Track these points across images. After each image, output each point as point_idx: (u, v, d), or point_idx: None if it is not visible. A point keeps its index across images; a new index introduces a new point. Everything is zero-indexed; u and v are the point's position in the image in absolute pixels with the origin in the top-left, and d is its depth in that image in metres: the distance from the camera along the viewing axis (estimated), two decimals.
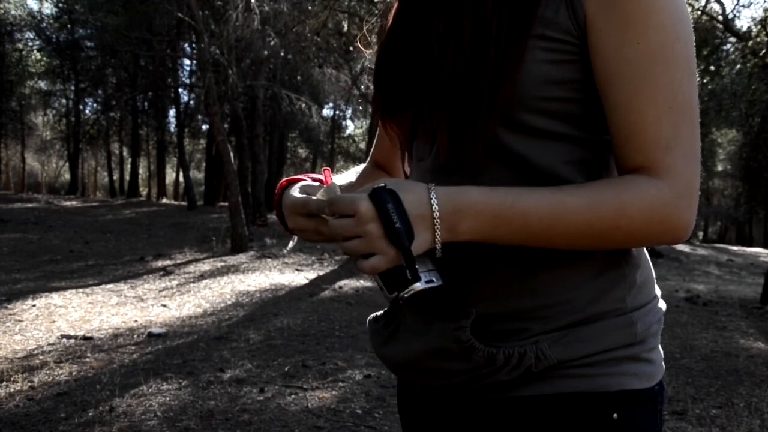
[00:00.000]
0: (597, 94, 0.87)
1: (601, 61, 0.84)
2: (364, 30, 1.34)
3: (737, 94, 14.49)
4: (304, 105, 18.73)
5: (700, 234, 36.72)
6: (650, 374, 0.91)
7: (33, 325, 6.03)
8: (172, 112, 29.37)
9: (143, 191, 38.91)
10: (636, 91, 0.82)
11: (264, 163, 21.63)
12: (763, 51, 13.08)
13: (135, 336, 5.83)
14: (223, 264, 11.35)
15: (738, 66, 15.12)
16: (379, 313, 1.10)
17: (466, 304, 0.90)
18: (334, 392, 4.44)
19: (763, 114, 15.92)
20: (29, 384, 4.30)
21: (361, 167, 1.30)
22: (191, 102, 28.51)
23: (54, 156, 40.92)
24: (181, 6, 15.24)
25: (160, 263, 11.17)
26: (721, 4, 15.12)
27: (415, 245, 0.79)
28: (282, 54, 20.04)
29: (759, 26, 14.92)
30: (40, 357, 4.98)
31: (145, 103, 29.69)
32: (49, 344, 5.38)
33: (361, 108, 30.05)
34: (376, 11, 14.17)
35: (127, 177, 34.56)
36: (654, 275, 0.99)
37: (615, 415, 0.87)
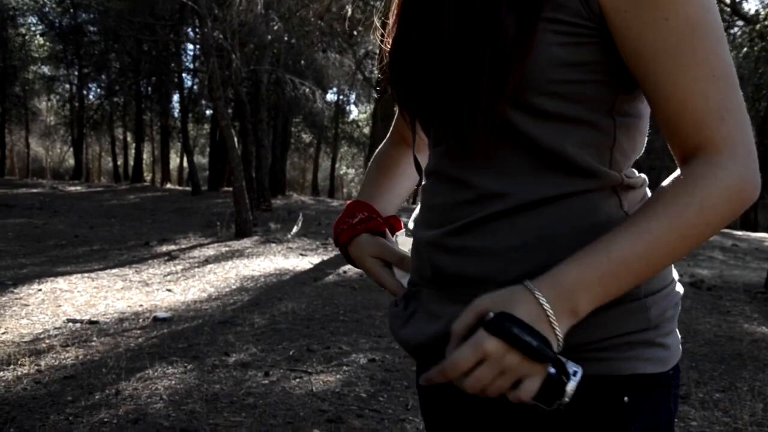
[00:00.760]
0: (609, 75, 0.87)
1: (630, 42, 0.84)
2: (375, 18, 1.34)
3: (744, 78, 14.42)
4: (308, 90, 18.69)
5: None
6: (664, 359, 0.91)
7: (39, 310, 6.07)
8: (175, 97, 29.37)
9: (147, 176, 38.95)
10: (677, 68, 0.82)
11: (268, 147, 21.63)
12: None
13: (140, 320, 5.87)
14: (227, 249, 11.39)
15: (745, 49, 15.02)
16: (399, 297, 1.11)
17: (480, 289, 0.89)
18: (338, 376, 4.47)
19: None
20: (36, 367, 4.34)
21: (381, 159, 1.35)
22: (195, 87, 28.50)
23: (58, 141, 40.96)
24: None
25: (164, 248, 11.20)
26: None
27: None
28: (285, 38, 19.95)
29: (767, 9, 14.82)
30: (47, 341, 5.01)
31: (149, 89, 29.65)
32: (55, 328, 5.42)
33: (365, 93, 29.98)
34: None
35: (131, 162, 34.61)
36: None
37: (626, 398, 0.87)
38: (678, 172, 0.86)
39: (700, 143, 0.83)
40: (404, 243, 1.19)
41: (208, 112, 29.52)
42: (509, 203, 0.90)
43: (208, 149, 31.87)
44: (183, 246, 11.55)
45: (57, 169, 45.22)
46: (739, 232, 23.59)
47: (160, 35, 22.92)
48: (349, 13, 15.81)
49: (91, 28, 28.70)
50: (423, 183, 1.07)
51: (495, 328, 0.77)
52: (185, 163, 32.53)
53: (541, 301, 0.79)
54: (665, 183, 0.85)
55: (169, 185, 30.10)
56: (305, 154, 42.57)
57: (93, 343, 5.01)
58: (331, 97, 33.37)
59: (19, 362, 4.40)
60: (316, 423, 3.56)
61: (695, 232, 0.81)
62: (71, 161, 36.88)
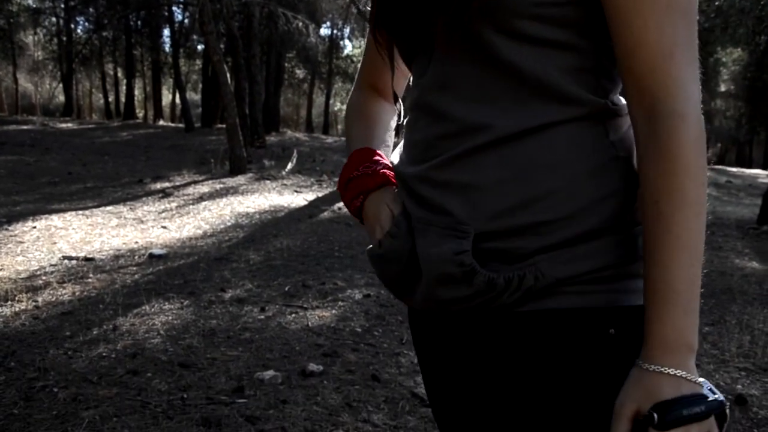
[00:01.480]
0: None
1: None
2: None
3: (745, 11, 14.17)
4: (301, 24, 18.37)
5: (705, 137, 36.52)
6: None
7: (34, 247, 6.10)
8: (166, 32, 28.87)
9: (140, 113, 38.56)
10: None
11: (261, 83, 21.34)
12: None
13: (136, 257, 5.90)
14: (221, 186, 11.38)
15: None
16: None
17: (461, 221, 0.89)
18: (333, 311, 4.53)
19: None
20: (34, 303, 4.38)
21: (361, 111, 1.25)
22: (186, 21, 27.96)
23: (47, 77, 40.36)
24: None
25: (158, 185, 11.19)
26: None
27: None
28: None
29: None
30: (43, 278, 5.05)
31: (139, 22, 29.07)
32: (51, 265, 5.45)
33: (359, 27, 29.45)
34: None
35: (122, 99, 34.23)
36: None
37: (612, 330, 0.88)
38: (640, 128, 0.86)
39: (654, 87, 0.83)
40: None
41: (200, 47, 29.04)
42: (492, 135, 0.88)
43: (200, 85, 31.43)
44: (177, 183, 11.53)
45: (47, 105, 44.65)
46: (734, 169, 23.66)
47: None
48: None
49: None
50: (405, 118, 1.05)
51: (666, 423, 0.79)
52: (177, 100, 32.17)
53: (672, 372, 0.81)
54: (643, 167, 0.85)
55: (161, 122, 29.87)
56: (299, 90, 42.07)
57: (89, 280, 5.05)
58: (324, 31, 32.80)
59: (17, 298, 4.44)
60: (311, 357, 3.63)
61: (698, 194, 0.83)
62: (61, 98, 36.41)
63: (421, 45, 0.97)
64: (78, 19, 31.67)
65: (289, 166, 13.81)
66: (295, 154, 14.91)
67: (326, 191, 11.36)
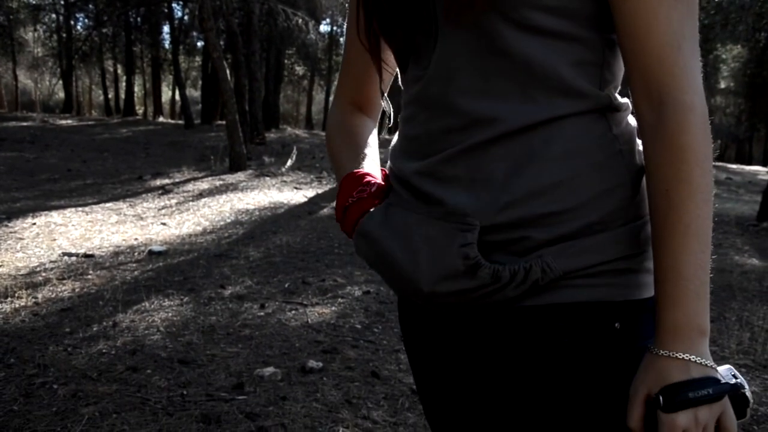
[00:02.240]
0: None
1: None
2: None
3: (745, 7, 14.17)
4: (300, 20, 18.37)
5: (710, 126, 36.50)
6: (651, 283, 0.91)
7: (34, 243, 6.09)
8: (166, 28, 28.83)
9: (139, 110, 38.53)
10: None
11: (261, 80, 21.32)
12: None
13: (135, 254, 5.90)
14: (221, 182, 11.37)
15: None
16: None
17: (467, 214, 0.89)
18: (333, 308, 4.53)
19: None
20: (33, 300, 4.38)
21: (346, 129, 1.22)
22: (185, 17, 27.92)
23: (47, 73, 40.30)
24: None
25: (158, 182, 11.18)
26: None
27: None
28: None
29: None
30: (43, 274, 5.05)
31: (138, 19, 29.03)
32: (50, 261, 5.45)
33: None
34: None
35: (122, 95, 34.18)
36: None
37: (617, 324, 0.88)
38: (646, 118, 0.87)
39: (661, 78, 0.84)
40: None
41: (200, 43, 29.05)
42: (500, 129, 0.88)
43: (200, 82, 31.44)
44: (177, 180, 11.52)
45: (47, 102, 44.62)
46: (733, 165, 23.65)
47: None
48: None
49: None
50: (402, 113, 1.03)
51: (674, 405, 0.80)
52: (177, 97, 32.15)
53: (681, 357, 0.82)
54: (651, 157, 0.86)
55: (161, 119, 29.83)
56: (299, 86, 42.02)
57: (89, 277, 5.05)
58: (324, 28, 32.79)
59: (17, 295, 4.44)
60: (311, 354, 3.63)
61: (706, 183, 0.84)
62: (61, 94, 36.41)
63: (421, 39, 0.96)
64: (78, 15, 31.65)
65: (289, 162, 13.80)
66: (294, 150, 14.90)
67: (326, 188, 11.35)
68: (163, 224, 7.48)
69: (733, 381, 0.83)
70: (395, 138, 1.08)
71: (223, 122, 15.55)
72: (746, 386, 0.84)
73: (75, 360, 3.37)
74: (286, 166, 13.56)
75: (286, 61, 32.35)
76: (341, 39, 35.63)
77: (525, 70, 0.87)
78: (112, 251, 5.96)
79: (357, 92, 1.21)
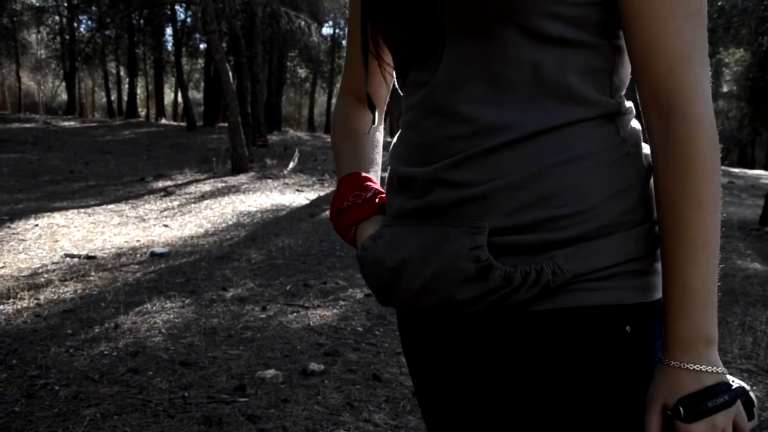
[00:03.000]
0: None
1: None
2: None
3: (748, 11, 14.15)
4: (303, 23, 18.38)
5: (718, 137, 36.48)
6: (659, 285, 0.91)
7: (36, 245, 6.10)
8: (168, 31, 28.83)
9: (142, 111, 38.59)
10: None
11: (263, 83, 21.34)
12: None
13: (138, 255, 5.90)
14: (223, 185, 11.38)
15: None
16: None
17: (476, 218, 0.89)
18: (335, 310, 4.53)
19: None
20: (35, 301, 4.38)
21: (350, 126, 1.23)
22: (188, 20, 27.93)
23: (50, 75, 40.35)
24: None
25: (160, 184, 11.19)
26: None
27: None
28: None
29: None
30: (45, 275, 5.05)
31: (141, 21, 29.06)
32: (53, 263, 5.45)
33: None
34: None
35: (125, 97, 34.20)
36: None
37: (628, 327, 0.88)
38: (655, 128, 0.87)
39: (671, 89, 0.84)
40: None
41: (202, 46, 29.06)
42: (509, 135, 0.88)
43: (202, 84, 31.44)
44: (179, 182, 11.53)
45: (50, 103, 44.69)
46: (736, 169, 23.64)
47: None
48: None
49: None
50: (403, 117, 1.03)
51: (693, 415, 0.81)
52: (180, 99, 32.19)
53: (694, 368, 0.83)
54: (659, 168, 0.87)
55: (163, 120, 29.84)
56: (301, 89, 42.06)
57: (91, 278, 5.05)
58: (327, 30, 32.79)
59: (19, 296, 4.44)
60: (313, 356, 3.63)
61: (714, 193, 0.84)
62: (64, 96, 36.47)
63: (426, 45, 0.95)
64: (81, 17, 31.69)
65: (291, 165, 13.81)
66: (296, 153, 14.91)
67: (328, 190, 11.35)
68: (165, 226, 7.48)
69: (740, 384, 0.84)
70: (396, 141, 1.06)
71: (226, 124, 15.55)
72: (748, 388, 0.85)
73: (76, 361, 3.38)
74: (288, 169, 13.56)
75: (288, 63, 32.37)
76: (344, 42, 35.67)
77: (534, 79, 0.87)
78: (114, 253, 5.97)
79: (360, 86, 1.19)
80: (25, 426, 2.65)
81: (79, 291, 4.69)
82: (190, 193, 10.35)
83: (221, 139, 18.26)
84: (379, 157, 1.22)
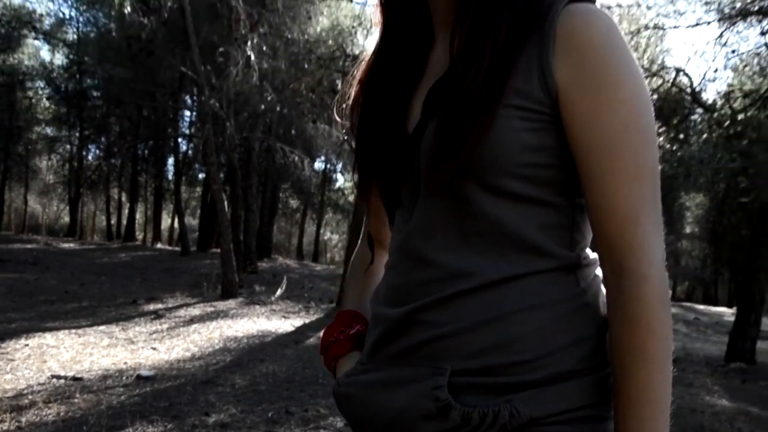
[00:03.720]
0: (569, 159, 0.89)
1: (575, 131, 0.87)
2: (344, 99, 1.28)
3: (704, 162, 14.70)
4: (297, 158, 18.82)
5: (670, 292, 36.73)
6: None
7: (24, 365, 5.92)
8: (170, 161, 29.38)
9: (139, 236, 38.62)
10: (608, 162, 0.85)
11: (256, 212, 21.62)
12: (727, 122, 13.35)
13: (124, 378, 5.73)
14: (212, 309, 11.24)
15: (705, 135, 15.38)
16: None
17: (440, 359, 0.89)
18: None
19: (727, 181, 16.15)
20: (17, 424, 4.20)
21: (361, 266, 1.26)
22: (190, 151, 28.56)
23: (55, 199, 40.67)
24: (185, 61, 15.40)
25: (151, 306, 11.04)
26: (689, 78, 15.49)
27: None
28: (278, 109, 20.17)
29: (723, 99, 15.27)
30: (30, 397, 4.87)
31: (146, 151, 29.69)
32: (39, 384, 5.27)
33: (351, 162, 30.12)
34: None
35: (124, 221, 34.35)
36: None
37: None
38: (608, 284, 0.89)
39: (621, 248, 0.86)
40: None
41: (201, 175, 29.53)
42: (474, 282, 0.89)
43: (199, 211, 31.73)
44: (170, 305, 11.39)
45: (52, 226, 44.76)
46: (701, 306, 23.73)
47: (159, 102, 23.12)
48: (339, 87, 16.08)
49: (95, 93, 28.89)
50: (388, 260, 1.05)
51: None
52: (176, 224, 32.35)
53: None
54: (611, 322, 0.88)
55: (159, 245, 29.84)
56: (292, 219, 42.49)
57: (75, 400, 4.87)
58: (318, 165, 33.50)
59: (0, 418, 4.26)
60: None
61: (662, 351, 0.85)
62: (66, 219, 36.58)
63: (406, 194, 0.98)
64: (90, 146, 32.33)
65: (279, 292, 13.74)
66: (285, 280, 14.87)
67: (313, 317, 11.24)
68: (153, 349, 7.32)
69: None
70: (380, 283, 1.08)
71: (218, 250, 15.58)
72: None
73: None
74: (276, 296, 13.47)
75: (281, 194, 32.88)
76: (334, 176, 36.51)
77: (498, 232, 0.90)
78: (101, 374, 5.79)
79: (375, 229, 1.23)
80: None
81: (62, 414, 4.51)
82: (180, 316, 10.19)
83: (213, 265, 18.21)
84: None
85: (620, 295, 0.85)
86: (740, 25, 13.08)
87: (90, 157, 33.28)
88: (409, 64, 1.02)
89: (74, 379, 5.53)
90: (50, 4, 28.34)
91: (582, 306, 0.91)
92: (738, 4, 12.34)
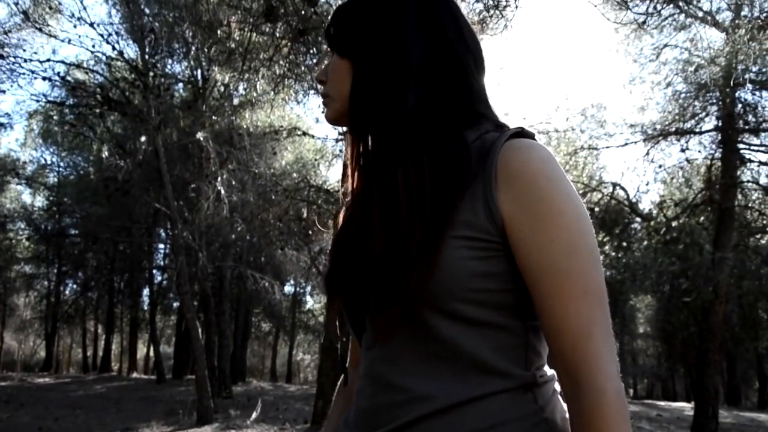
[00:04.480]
0: (520, 284, 0.91)
1: (522, 257, 0.89)
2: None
3: (647, 266, 15.03)
4: (267, 283, 18.67)
5: (631, 391, 36.34)
6: None
7: None
8: (146, 291, 28.89)
9: (115, 366, 37.22)
10: (557, 284, 0.87)
11: (230, 337, 21.13)
12: (663, 229, 13.78)
13: None
14: None
15: (645, 242, 15.79)
16: None
17: None
18: None
19: (670, 282, 16.43)
20: None
21: (343, 381, 1.27)
22: (164, 282, 28.16)
23: (32, 335, 39.28)
24: (159, 198, 15.49)
25: None
26: (625, 191, 16.08)
27: None
28: (248, 238, 20.25)
29: (657, 209, 15.83)
30: None
31: (122, 284, 29.20)
32: None
33: (319, 285, 30.02)
34: (332, 200, 14.66)
35: (100, 353, 33.19)
36: None
37: None
38: (567, 398, 0.90)
39: (575, 363, 0.87)
40: None
41: (176, 304, 28.99)
42: (435, 405, 0.90)
43: (173, 339, 30.91)
44: None
45: (28, 361, 42.86)
46: (662, 402, 23.41)
47: (135, 236, 23.01)
48: (305, 215, 16.29)
49: (73, 231, 28.65)
50: (357, 384, 1.05)
51: None
52: (152, 353, 31.35)
53: None
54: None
55: (135, 374, 28.72)
56: (265, 341, 41.54)
57: None
58: (288, 289, 33.26)
59: None
60: None
61: None
62: (42, 353, 35.20)
63: (369, 321, 0.99)
64: (67, 281, 31.69)
65: (254, 415, 13.20)
66: (259, 403, 14.34)
67: None
68: None
69: None
70: (350, 408, 1.08)
71: (193, 377, 15.07)
72: None
73: None
74: (251, 419, 12.93)
75: (253, 318, 32.31)
76: (304, 298, 36.15)
77: (456, 355, 0.91)
78: None
79: (354, 349, 1.23)
80: None
81: None
82: None
83: (188, 391, 17.52)
84: None
85: (579, 409, 0.86)
86: (663, 144, 13.79)
87: (67, 292, 32.56)
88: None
89: None
90: (33, 152, 28.52)
91: (541, 422, 0.91)
92: (659, 126, 13.07)
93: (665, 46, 13.11)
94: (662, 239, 13.74)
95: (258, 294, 21.96)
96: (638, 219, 16.36)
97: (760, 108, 13.22)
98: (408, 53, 0.98)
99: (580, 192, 15.06)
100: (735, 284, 14.44)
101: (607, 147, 14.63)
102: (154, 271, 26.42)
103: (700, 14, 12.23)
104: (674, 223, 13.87)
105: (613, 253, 15.12)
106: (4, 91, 11.91)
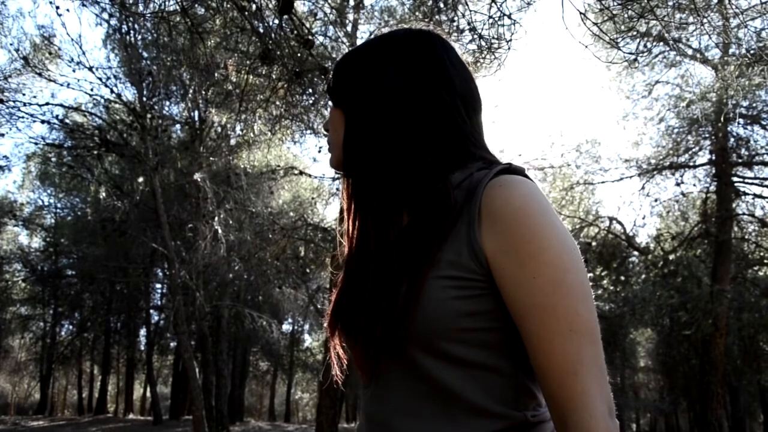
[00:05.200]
0: (508, 322, 0.90)
1: (507, 295, 0.89)
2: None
3: (646, 300, 15.00)
4: (265, 322, 18.55)
5: (633, 426, 35.88)
6: None
7: None
8: (142, 332, 28.64)
9: (111, 407, 36.69)
10: (541, 322, 0.86)
11: (228, 377, 20.91)
12: (661, 263, 13.79)
13: None
14: None
15: (643, 276, 15.78)
16: None
17: None
18: None
19: (670, 315, 16.37)
20: None
21: None
22: (161, 321, 27.94)
23: (27, 377, 38.77)
24: (156, 238, 15.50)
25: None
26: (622, 225, 16.13)
27: None
28: (245, 276, 20.20)
29: (654, 242, 15.85)
30: None
31: (118, 324, 28.94)
32: None
33: (317, 323, 29.83)
34: (329, 238, 14.66)
35: (96, 394, 32.76)
36: None
37: None
38: None
39: (563, 402, 0.86)
40: None
41: (173, 344, 28.72)
42: None
43: (170, 379, 30.53)
44: None
45: (23, 404, 42.26)
46: None
47: (131, 276, 22.91)
48: (302, 253, 16.28)
49: (70, 272, 28.49)
50: (358, 423, 1.07)
51: None
52: (148, 393, 30.95)
53: None
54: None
55: (131, 415, 28.33)
56: (263, 380, 41.06)
57: None
58: (286, 327, 33.01)
59: None
60: None
61: None
62: (37, 395, 34.72)
63: (366, 361, 1.00)
64: (63, 322, 31.40)
65: None
66: None
67: None
68: None
69: None
70: None
71: (191, 417, 14.85)
72: None
73: None
74: None
75: (251, 357, 32.00)
76: (302, 336, 35.86)
77: (443, 395, 0.91)
78: None
79: None
80: None
81: None
82: None
83: None
84: None
85: None
86: (658, 178, 13.89)
87: (63, 333, 32.24)
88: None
89: None
90: (30, 194, 28.56)
91: None
92: (653, 161, 13.19)
93: (657, 82, 13.35)
94: (660, 272, 13.75)
95: (256, 333, 21.78)
96: (636, 253, 16.37)
97: (752, 141, 13.39)
98: (389, 100, 1.01)
99: (577, 227, 15.13)
100: (735, 317, 14.39)
101: (603, 182, 14.75)
102: (151, 311, 26.26)
103: (690, 52, 12.46)
104: (672, 257, 13.89)
105: (612, 287, 15.11)
106: (2, 135, 11.96)
